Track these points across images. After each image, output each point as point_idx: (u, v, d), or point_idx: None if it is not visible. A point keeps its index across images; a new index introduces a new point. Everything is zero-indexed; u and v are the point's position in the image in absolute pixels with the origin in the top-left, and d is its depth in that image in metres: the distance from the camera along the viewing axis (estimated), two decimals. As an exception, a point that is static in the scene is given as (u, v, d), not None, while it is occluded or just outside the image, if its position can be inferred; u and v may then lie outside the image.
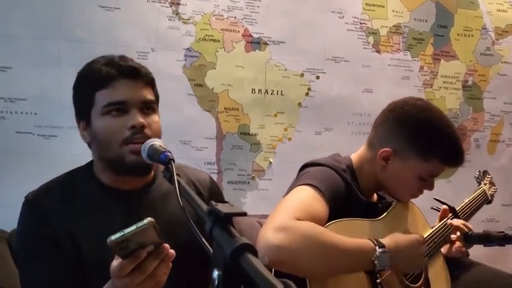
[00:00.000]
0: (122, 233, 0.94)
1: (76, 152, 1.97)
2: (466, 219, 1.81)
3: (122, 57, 1.32)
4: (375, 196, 1.65)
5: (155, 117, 1.29)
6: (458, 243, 1.69)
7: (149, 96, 1.30)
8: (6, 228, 1.66)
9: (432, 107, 1.58)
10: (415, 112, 1.51)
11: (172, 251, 1.04)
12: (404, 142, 1.49)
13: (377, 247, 1.31)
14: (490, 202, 1.99)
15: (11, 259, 1.52)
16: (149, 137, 1.21)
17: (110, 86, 1.26)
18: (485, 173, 2.08)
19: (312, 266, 1.26)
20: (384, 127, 1.53)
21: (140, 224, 0.95)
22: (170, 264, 1.06)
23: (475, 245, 1.74)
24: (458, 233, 1.68)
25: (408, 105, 1.53)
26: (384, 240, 1.35)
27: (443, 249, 1.69)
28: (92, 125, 1.28)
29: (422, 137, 1.48)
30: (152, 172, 1.35)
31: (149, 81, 1.32)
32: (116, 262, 1.02)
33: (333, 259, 1.27)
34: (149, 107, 1.29)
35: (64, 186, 1.31)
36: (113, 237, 0.94)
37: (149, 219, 0.96)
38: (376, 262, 1.30)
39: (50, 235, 1.24)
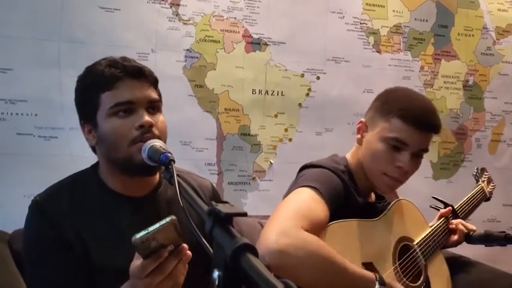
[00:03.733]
0: (146, 231, 0.95)
1: (76, 153, 2.00)
2: (465, 216, 1.82)
3: (124, 58, 1.32)
4: (373, 196, 1.65)
5: (161, 117, 1.30)
6: (457, 235, 1.71)
7: (155, 95, 1.30)
8: (7, 229, 1.66)
9: (413, 90, 1.67)
10: (389, 90, 1.61)
11: (189, 252, 1.04)
12: (373, 112, 1.55)
13: (377, 283, 1.31)
14: (488, 199, 2.00)
15: (12, 260, 1.51)
16: (157, 136, 1.22)
17: (115, 86, 1.25)
18: (483, 170, 2.08)
19: (310, 277, 1.26)
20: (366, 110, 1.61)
21: (163, 222, 0.96)
22: (187, 265, 1.06)
23: (476, 245, 1.75)
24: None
25: (387, 89, 1.63)
26: (387, 279, 1.35)
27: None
28: (99, 127, 1.27)
29: (388, 101, 1.54)
30: (158, 178, 1.36)
31: (153, 81, 1.32)
32: (136, 262, 1.02)
33: (333, 276, 1.28)
34: (154, 107, 1.29)
35: (71, 189, 1.31)
36: (137, 236, 0.94)
37: (171, 217, 0.96)
38: None
39: (59, 237, 1.24)
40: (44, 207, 1.27)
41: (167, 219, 0.96)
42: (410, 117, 1.47)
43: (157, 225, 0.95)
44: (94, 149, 1.34)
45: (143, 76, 1.29)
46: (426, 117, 1.49)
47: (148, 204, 1.32)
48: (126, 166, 1.25)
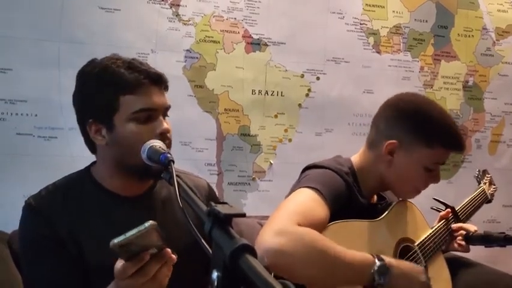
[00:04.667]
0: (124, 236, 0.95)
1: (76, 154, 2.00)
2: (466, 218, 1.82)
3: (140, 62, 1.30)
4: (374, 197, 1.65)
5: (169, 122, 1.31)
6: (459, 238, 1.72)
7: (168, 102, 1.31)
8: (6, 229, 1.66)
9: (426, 98, 1.67)
10: (412, 105, 1.56)
11: (173, 255, 1.05)
12: (407, 133, 1.51)
13: (376, 260, 1.31)
14: (489, 201, 2.00)
15: (11, 260, 1.51)
16: (170, 142, 1.25)
17: (137, 91, 1.24)
18: (484, 172, 2.08)
19: (309, 272, 1.25)
20: (385, 123, 1.55)
21: (141, 227, 0.96)
22: (172, 267, 1.07)
23: (476, 246, 1.74)
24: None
25: (403, 100, 1.58)
26: (386, 257, 1.35)
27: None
28: (116, 129, 1.25)
29: (424, 124, 1.51)
30: None
31: (166, 87, 1.33)
32: (119, 263, 1.03)
33: (331, 268, 1.27)
34: (166, 113, 1.31)
35: (65, 190, 1.31)
36: (116, 241, 0.95)
37: (151, 222, 0.97)
38: (375, 276, 1.29)
39: (54, 236, 1.24)
40: (37, 207, 1.27)
41: (146, 224, 0.96)
42: (454, 145, 1.55)
43: (135, 230, 0.95)
44: (92, 149, 1.33)
45: (162, 82, 1.30)
46: (462, 141, 1.57)
47: (143, 203, 1.32)
48: (142, 172, 1.24)
